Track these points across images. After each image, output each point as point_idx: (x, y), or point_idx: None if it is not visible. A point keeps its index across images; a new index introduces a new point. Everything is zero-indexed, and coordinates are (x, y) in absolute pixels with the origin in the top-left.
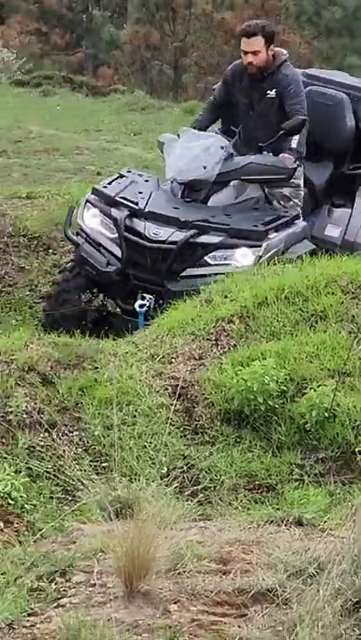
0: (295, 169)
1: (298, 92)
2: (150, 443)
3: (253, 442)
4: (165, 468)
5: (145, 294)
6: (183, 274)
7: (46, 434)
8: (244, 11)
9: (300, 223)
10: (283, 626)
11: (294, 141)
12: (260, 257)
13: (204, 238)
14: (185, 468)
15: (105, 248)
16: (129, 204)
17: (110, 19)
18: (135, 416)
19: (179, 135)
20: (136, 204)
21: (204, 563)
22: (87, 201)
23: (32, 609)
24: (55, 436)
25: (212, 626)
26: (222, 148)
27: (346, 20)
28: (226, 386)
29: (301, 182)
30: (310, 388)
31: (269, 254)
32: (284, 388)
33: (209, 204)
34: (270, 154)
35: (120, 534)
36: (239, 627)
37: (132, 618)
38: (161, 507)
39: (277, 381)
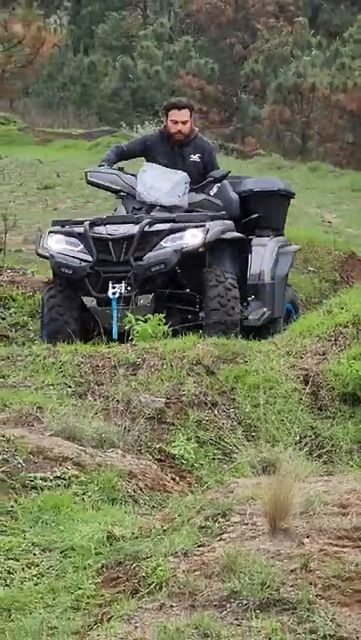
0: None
1: (215, 156)
2: (287, 417)
3: None
4: (298, 437)
5: (115, 285)
6: (142, 258)
7: (210, 411)
8: (354, 93)
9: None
10: None
11: (213, 191)
12: (207, 234)
13: (156, 227)
14: (313, 436)
15: (75, 257)
16: (89, 220)
17: (254, 100)
18: (275, 397)
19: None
20: (95, 220)
21: (328, 507)
22: (50, 232)
23: (201, 542)
24: (216, 413)
25: (335, 554)
26: (186, 183)
27: None
28: (343, 374)
29: None
30: None
31: (213, 232)
32: None
33: None
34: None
35: (266, 486)
36: (356, 555)
37: (276, 548)
38: (296, 465)
39: None
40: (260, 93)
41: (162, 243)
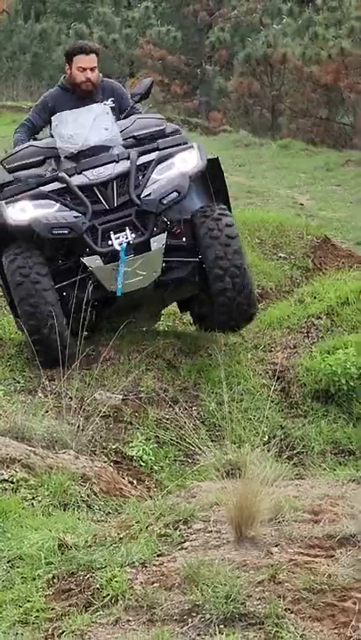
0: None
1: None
2: (254, 416)
3: (338, 415)
4: (267, 437)
5: (117, 234)
6: (143, 195)
7: (170, 408)
8: (328, 65)
9: None
10: None
11: (138, 107)
12: (200, 153)
13: (142, 159)
14: (282, 436)
15: (56, 216)
16: (54, 174)
17: (220, 72)
18: (242, 394)
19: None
20: (65, 171)
21: (299, 513)
22: (7, 202)
23: (160, 551)
24: (178, 410)
25: (306, 564)
26: (107, 112)
27: None
28: (315, 369)
29: None
30: None
31: (203, 150)
32: None
33: None
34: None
35: (231, 490)
36: (328, 565)
37: (242, 558)
38: (263, 468)
39: (357, 366)
40: (227, 65)
41: (153, 175)
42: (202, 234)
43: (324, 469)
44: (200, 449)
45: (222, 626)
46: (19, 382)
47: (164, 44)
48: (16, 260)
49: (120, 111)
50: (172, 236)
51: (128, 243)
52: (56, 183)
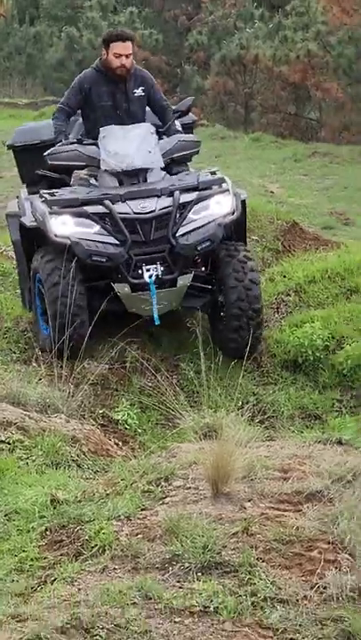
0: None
1: (158, 86)
2: (229, 383)
3: (305, 383)
4: (240, 402)
5: (148, 267)
6: (178, 234)
7: (153, 377)
8: (296, 65)
9: None
10: (328, 518)
11: (178, 126)
12: (233, 198)
13: (183, 198)
14: (255, 402)
15: (96, 242)
16: (99, 197)
17: (198, 72)
18: (218, 364)
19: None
20: (105, 194)
21: (270, 471)
22: (51, 213)
23: (144, 505)
24: (159, 379)
25: (276, 518)
26: (152, 132)
27: None
28: (284, 342)
29: None
30: (347, 344)
31: (237, 197)
32: (328, 344)
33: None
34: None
35: (208, 451)
36: (296, 518)
37: (217, 512)
38: (238, 431)
39: (322, 338)
40: (204, 65)
41: (190, 215)
42: (227, 273)
43: (293, 432)
44: (180, 413)
45: (200, 573)
46: (14, 353)
47: (147, 45)
48: (53, 261)
49: (148, 101)
50: (192, 264)
51: (157, 276)
52: (100, 207)
